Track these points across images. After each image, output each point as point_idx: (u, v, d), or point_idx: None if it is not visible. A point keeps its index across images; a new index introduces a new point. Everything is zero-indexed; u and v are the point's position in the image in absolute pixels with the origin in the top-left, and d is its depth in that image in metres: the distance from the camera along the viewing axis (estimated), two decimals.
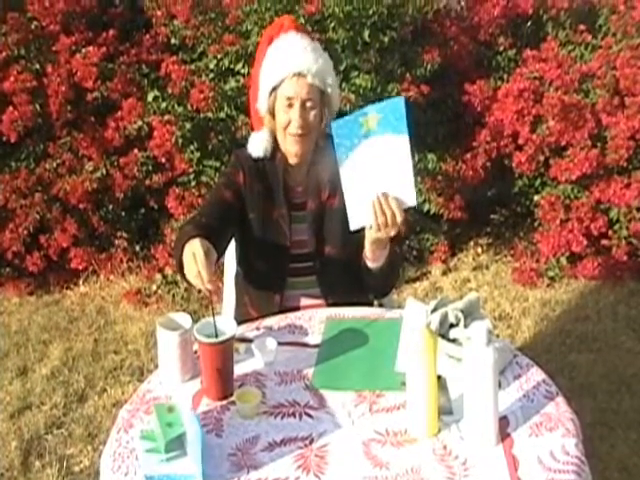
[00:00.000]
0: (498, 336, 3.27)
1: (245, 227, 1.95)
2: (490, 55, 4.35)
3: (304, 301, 1.97)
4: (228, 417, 1.49)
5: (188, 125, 3.69)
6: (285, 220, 1.94)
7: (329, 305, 1.95)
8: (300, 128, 1.86)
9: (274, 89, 1.87)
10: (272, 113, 1.91)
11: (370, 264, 1.83)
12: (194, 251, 1.55)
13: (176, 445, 1.35)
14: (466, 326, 1.56)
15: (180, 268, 1.65)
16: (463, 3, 4.48)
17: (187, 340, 1.59)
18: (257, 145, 1.95)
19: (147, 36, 4.14)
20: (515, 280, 3.88)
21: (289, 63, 1.84)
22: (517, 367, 1.61)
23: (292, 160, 1.95)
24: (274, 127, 1.92)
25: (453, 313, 1.59)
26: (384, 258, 1.81)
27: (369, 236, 1.73)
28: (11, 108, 3.72)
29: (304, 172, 1.97)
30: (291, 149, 1.91)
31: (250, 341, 1.74)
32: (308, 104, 1.86)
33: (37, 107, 3.79)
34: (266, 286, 1.95)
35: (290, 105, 1.85)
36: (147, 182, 3.91)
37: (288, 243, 1.94)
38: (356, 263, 1.89)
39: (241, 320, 1.92)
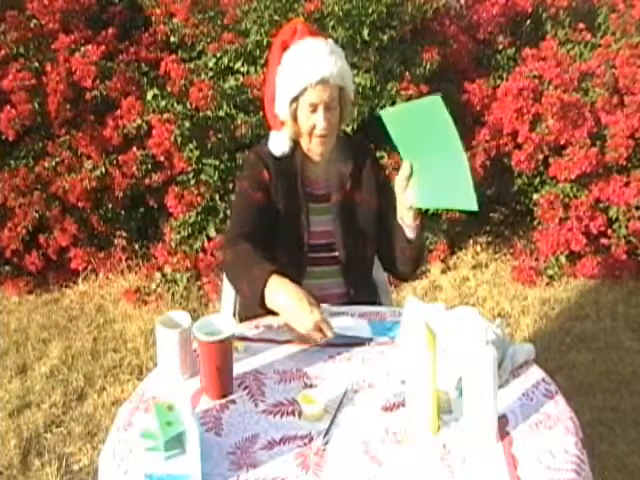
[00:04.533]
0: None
1: (271, 221, 1.98)
2: (489, 54, 4.36)
3: (326, 290, 1.99)
4: (227, 416, 1.49)
5: (187, 123, 3.69)
6: (303, 211, 1.98)
7: (350, 295, 1.99)
8: (325, 129, 1.90)
9: (296, 98, 1.89)
10: (294, 118, 1.93)
11: (409, 234, 1.88)
12: (305, 300, 1.65)
13: (175, 444, 1.35)
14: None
15: (261, 299, 1.71)
16: (462, 2, 4.48)
17: (186, 338, 1.59)
18: (278, 144, 1.98)
19: (146, 34, 4.15)
20: (514, 279, 3.88)
21: (311, 72, 1.85)
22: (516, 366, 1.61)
23: (315, 158, 1.99)
24: (297, 131, 1.95)
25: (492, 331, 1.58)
26: (419, 228, 1.88)
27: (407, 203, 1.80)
28: (9, 107, 3.72)
29: (324, 165, 2.01)
30: (316, 149, 1.95)
31: (249, 340, 1.75)
32: (331, 105, 1.90)
33: (36, 105, 3.79)
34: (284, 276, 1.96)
35: (314, 110, 1.89)
36: (146, 181, 3.91)
37: (306, 234, 1.98)
38: (382, 253, 2.03)
39: (250, 316, 1.92)
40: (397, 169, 3.95)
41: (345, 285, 2.02)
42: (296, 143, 1.99)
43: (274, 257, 1.92)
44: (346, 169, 2.01)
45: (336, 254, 2.00)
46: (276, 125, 2.00)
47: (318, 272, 1.99)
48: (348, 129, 3.66)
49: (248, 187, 1.97)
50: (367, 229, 2.03)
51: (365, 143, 2.20)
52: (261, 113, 3.54)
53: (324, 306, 1.83)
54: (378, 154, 3.75)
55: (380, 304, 2.14)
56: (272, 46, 2.04)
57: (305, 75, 1.86)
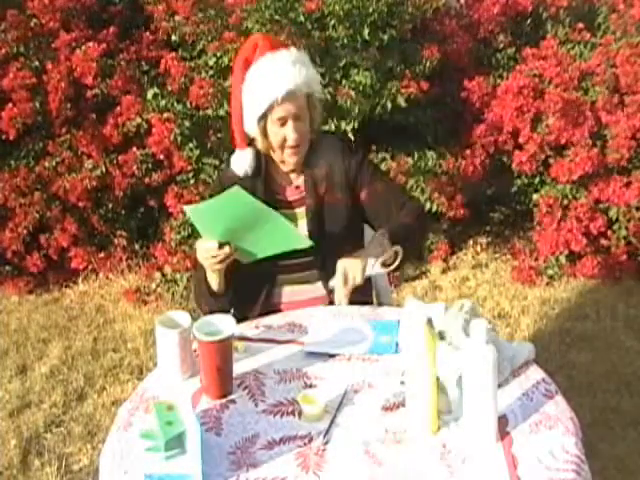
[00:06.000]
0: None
1: None
2: (489, 53, 4.35)
3: (303, 295, 1.98)
4: (227, 416, 1.49)
5: (187, 122, 3.69)
6: None
7: (331, 298, 1.95)
8: (296, 140, 1.89)
9: (264, 115, 1.88)
10: (264, 134, 1.92)
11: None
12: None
13: (175, 444, 1.35)
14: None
15: (207, 291, 1.89)
16: (462, 1, 4.48)
17: (186, 338, 1.59)
18: (241, 163, 1.96)
19: (147, 33, 4.14)
20: (514, 279, 3.88)
21: (276, 88, 1.83)
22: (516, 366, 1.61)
23: (290, 167, 1.98)
24: (268, 146, 1.94)
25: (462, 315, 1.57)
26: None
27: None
28: (10, 105, 3.72)
29: (297, 170, 2.00)
30: (290, 160, 1.94)
31: (249, 340, 1.75)
32: (300, 116, 1.89)
33: (37, 104, 3.79)
34: (255, 285, 1.96)
35: (283, 124, 1.88)
36: (146, 180, 3.91)
37: None
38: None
39: (249, 316, 1.93)
40: (402, 172, 3.95)
41: (324, 288, 1.97)
42: (259, 160, 1.97)
43: (243, 267, 1.88)
44: (319, 172, 1.98)
45: (311, 259, 1.95)
46: (240, 144, 1.97)
47: (294, 278, 1.96)
48: (348, 127, 3.66)
49: None
50: (344, 228, 1.98)
51: (337, 139, 2.12)
52: None
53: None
54: (380, 155, 3.76)
55: (380, 304, 2.14)
56: (234, 65, 1.98)
57: (270, 92, 1.84)
